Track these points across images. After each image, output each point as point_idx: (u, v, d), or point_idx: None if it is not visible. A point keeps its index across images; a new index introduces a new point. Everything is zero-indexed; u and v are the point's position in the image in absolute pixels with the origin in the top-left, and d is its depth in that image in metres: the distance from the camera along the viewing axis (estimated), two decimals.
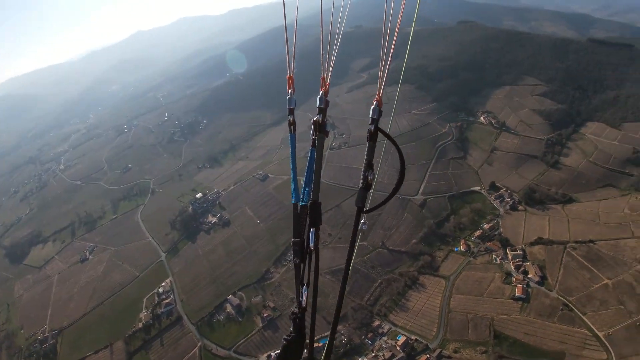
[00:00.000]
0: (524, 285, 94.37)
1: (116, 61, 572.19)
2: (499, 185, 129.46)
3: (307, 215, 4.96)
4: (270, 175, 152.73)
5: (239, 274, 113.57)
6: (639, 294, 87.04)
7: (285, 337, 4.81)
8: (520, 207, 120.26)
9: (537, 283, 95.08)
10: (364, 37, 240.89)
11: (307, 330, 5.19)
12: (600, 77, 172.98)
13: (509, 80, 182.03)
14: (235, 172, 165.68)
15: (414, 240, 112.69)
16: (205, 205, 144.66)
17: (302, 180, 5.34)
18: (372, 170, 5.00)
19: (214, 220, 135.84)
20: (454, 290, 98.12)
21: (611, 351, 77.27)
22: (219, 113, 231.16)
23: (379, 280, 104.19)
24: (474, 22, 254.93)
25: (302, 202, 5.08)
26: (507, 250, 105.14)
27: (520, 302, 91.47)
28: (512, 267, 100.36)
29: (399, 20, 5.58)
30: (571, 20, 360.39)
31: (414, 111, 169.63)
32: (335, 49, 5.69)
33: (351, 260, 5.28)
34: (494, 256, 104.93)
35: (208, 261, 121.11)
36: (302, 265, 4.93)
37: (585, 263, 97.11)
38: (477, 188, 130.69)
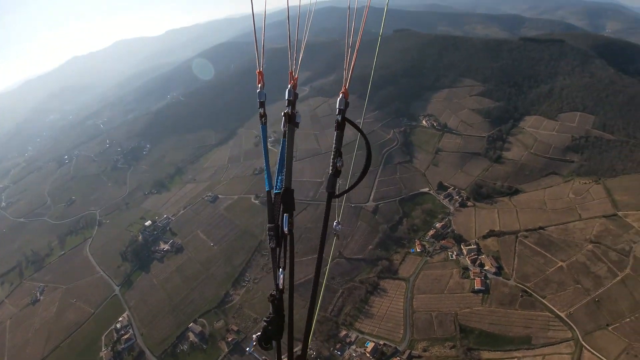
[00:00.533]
0: (482, 278, 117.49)
1: (53, 89, 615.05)
2: (446, 184, 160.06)
3: (281, 201, 6.57)
4: (220, 196, 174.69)
5: (198, 300, 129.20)
6: (593, 272, 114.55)
7: (265, 318, 6.43)
8: (469, 203, 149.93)
9: (495, 274, 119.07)
10: (305, 50, 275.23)
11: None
12: (534, 72, 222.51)
13: (447, 83, 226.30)
14: (183, 196, 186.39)
15: (370, 247, 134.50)
16: (155, 232, 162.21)
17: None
18: (341, 158, 6.66)
19: (166, 247, 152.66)
20: (415, 291, 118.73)
21: (575, 328, 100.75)
22: (162, 136, 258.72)
23: (341, 290, 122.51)
24: (410, 29, 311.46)
25: (275, 189, 6.71)
26: (462, 246, 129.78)
27: (481, 294, 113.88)
28: (468, 261, 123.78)
29: (364, 17, 7.82)
30: (503, 22, 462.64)
31: (358, 120, 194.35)
32: (302, 46, 7.61)
33: (323, 248, 6.87)
34: (449, 253, 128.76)
35: (165, 290, 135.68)
36: (277, 249, 6.50)
37: (538, 249, 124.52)
38: (426, 189, 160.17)
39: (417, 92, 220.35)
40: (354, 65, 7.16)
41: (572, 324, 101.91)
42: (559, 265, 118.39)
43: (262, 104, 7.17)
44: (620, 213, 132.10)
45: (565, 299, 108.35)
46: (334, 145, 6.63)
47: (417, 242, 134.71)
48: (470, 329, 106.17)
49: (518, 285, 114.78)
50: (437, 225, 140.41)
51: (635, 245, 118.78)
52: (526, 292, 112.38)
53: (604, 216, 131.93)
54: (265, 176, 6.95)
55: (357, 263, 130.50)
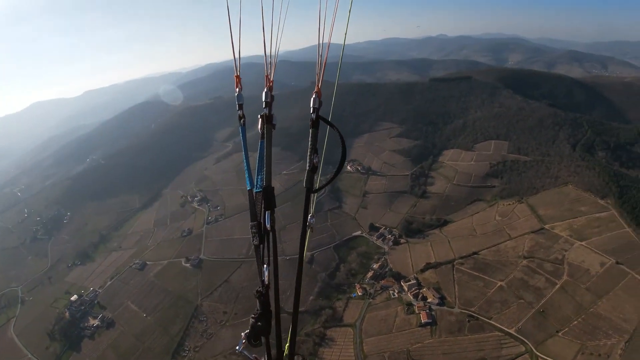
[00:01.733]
0: (427, 310, 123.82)
1: None
2: (377, 225, 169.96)
3: (262, 199, 7.18)
4: (148, 262, 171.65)
5: None
6: (532, 285, 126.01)
7: (252, 315, 7.00)
8: (402, 241, 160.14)
9: (439, 304, 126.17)
10: (225, 107, 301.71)
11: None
12: (447, 109, 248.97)
13: (367, 128, 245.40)
14: (109, 266, 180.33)
15: (311, 297, 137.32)
16: (83, 307, 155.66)
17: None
18: (317, 154, 7.35)
19: (96, 322, 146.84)
20: (363, 335, 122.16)
21: (527, 342, 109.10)
22: (83, 202, 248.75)
23: None
24: (327, 80, 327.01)
25: (256, 188, 7.28)
26: (402, 283, 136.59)
27: (429, 327, 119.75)
28: (410, 297, 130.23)
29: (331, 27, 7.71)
30: (412, 66, 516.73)
31: (284, 172, 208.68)
32: (276, 50, 7.78)
33: (304, 243, 7.70)
34: (391, 292, 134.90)
35: None
36: (261, 246, 7.08)
37: (476, 273, 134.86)
38: (359, 232, 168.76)
39: (339, 138, 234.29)
40: (325, 63, 7.73)
41: (523, 338, 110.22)
42: (499, 285, 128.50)
43: (240, 106, 7.94)
44: (547, 226, 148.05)
45: (511, 316, 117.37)
46: (309, 142, 7.27)
47: (357, 285, 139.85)
48: None
49: (463, 311, 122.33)
50: (374, 266, 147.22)
51: (567, 253, 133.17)
52: (472, 316, 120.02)
53: (532, 232, 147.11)
54: (246, 175, 7.48)
55: (301, 316, 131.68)
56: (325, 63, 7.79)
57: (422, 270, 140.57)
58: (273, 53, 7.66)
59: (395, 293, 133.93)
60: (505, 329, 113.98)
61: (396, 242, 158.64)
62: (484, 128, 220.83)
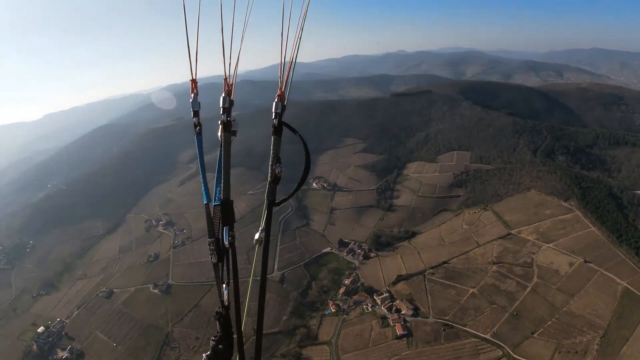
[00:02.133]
0: (402, 322, 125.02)
1: None
2: (346, 240, 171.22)
3: (220, 213, 6.69)
4: (115, 290, 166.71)
5: None
6: (504, 289, 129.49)
7: (212, 337, 6.64)
8: (372, 255, 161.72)
9: (413, 316, 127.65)
10: (188, 129, 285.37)
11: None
12: (409, 123, 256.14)
13: (331, 145, 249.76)
14: (76, 295, 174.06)
15: (284, 317, 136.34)
16: (50, 339, 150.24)
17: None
18: (280, 164, 6.93)
19: (65, 355, 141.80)
20: (340, 352, 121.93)
21: (503, 345, 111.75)
22: (45, 230, 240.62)
23: None
24: (289, 99, 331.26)
25: (214, 201, 6.74)
26: (375, 297, 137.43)
27: (405, 339, 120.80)
28: (384, 310, 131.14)
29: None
30: (373, 82, 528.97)
31: (250, 192, 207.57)
32: (239, 49, 7.28)
33: (267, 259, 7.14)
34: (364, 306, 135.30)
35: None
36: (219, 264, 6.67)
37: (447, 282, 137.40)
38: (328, 249, 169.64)
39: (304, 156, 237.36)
40: (291, 63, 7.17)
41: (499, 342, 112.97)
42: (471, 292, 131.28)
43: (196, 113, 7.35)
44: (513, 231, 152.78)
45: (485, 321, 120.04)
46: (271, 151, 6.93)
47: (330, 302, 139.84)
48: None
49: (438, 320, 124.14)
50: (346, 282, 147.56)
51: (536, 256, 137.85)
52: (447, 325, 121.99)
53: (499, 238, 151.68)
54: (203, 189, 6.99)
55: (275, 337, 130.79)
56: (291, 64, 7.19)
57: (394, 283, 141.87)
58: (234, 54, 7.26)
59: (368, 307, 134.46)
60: (481, 335, 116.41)
61: (366, 257, 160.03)
62: (446, 139, 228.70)
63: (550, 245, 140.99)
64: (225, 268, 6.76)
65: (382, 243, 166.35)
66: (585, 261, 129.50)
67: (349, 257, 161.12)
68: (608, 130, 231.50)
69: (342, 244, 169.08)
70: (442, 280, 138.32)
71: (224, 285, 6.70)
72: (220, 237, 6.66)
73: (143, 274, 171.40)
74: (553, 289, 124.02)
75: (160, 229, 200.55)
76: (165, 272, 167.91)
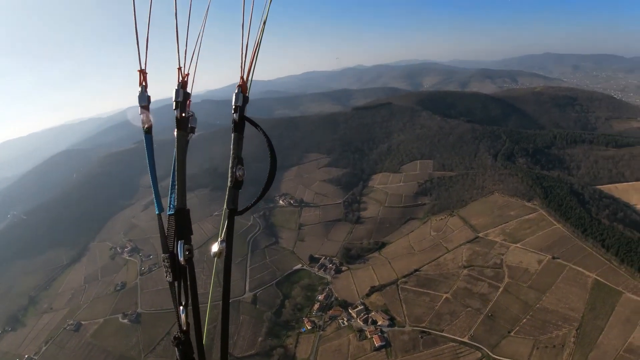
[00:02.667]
0: (379, 333, 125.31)
1: None
2: (317, 256, 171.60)
3: (174, 225, 5.95)
4: (83, 322, 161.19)
5: None
6: (476, 292, 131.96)
7: None
8: (344, 268, 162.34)
9: (389, 326, 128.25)
10: None
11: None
12: (371, 136, 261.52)
13: (295, 161, 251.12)
14: (43, 329, 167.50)
15: (260, 339, 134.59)
16: None
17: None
18: (241, 166, 6.13)
19: None
20: None
21: (481, 347, 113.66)
22: (7, 262, 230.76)
23: None
24: (250, 117, 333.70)
25: (168, 211, 6.01)
26: (350, 310, 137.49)
27: (384, 349, 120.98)
28: (360, 323, 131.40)
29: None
30: (333, 97, 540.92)
31: (216, 213, 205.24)
32: (199, 39, 6.56)
33: (229, 273, 6.03)
34: (340, 321, 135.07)
35: None
36: (176, 283, 5.93)
37: (421, 289, 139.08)
38: (299, 266, 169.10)
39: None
40: (255, 49, 6.22)
41: (477, 344, 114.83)
42: (445, 297, 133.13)
43: (144, 109, 6.49)
44: (481, 234, 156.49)
45: (461, 325, 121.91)
46: (232, 151, 6.19)
47: (306, 319, 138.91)
48: None
49: (415, 328, 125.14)
50: (319, 297, 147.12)
51: (505, 257, 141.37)
52: (424, 332, 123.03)
53: (468, 242, 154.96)
54: (154, 197, 6.37)
55: (251, 359, 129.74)
56: (256, 46, 6.23)
57: (368, 295, 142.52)
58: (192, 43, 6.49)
59: (344, 321, 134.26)
60: (459, 339, 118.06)
61: (338, 271, 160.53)
62: (409, 150, 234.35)
63: (518, 245, 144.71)
64: (183, 287, 6.02)
65: (352, 256, 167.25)
66: (554, 257, 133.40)
67: (321, 273, 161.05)
68: (565, 131, 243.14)
69: (313, 259, 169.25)
70: (415, 288, 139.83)
71: (181, 308, 5.95)
72: (175, 252, 5.95)
73: (111, 304, 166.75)
74: (525, 287, 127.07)
75: (125, 256, 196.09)
76: (134, 300, 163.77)
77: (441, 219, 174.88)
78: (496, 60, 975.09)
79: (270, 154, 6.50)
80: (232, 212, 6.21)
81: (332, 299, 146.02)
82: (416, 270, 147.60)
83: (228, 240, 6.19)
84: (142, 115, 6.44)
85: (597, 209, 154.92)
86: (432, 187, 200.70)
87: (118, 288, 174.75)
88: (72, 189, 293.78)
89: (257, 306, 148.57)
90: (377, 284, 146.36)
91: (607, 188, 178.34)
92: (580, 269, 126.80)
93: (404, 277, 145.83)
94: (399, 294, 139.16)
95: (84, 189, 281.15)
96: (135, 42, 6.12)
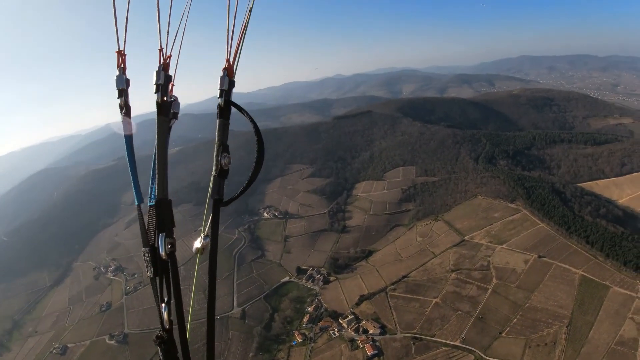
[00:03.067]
0: (371, 342, 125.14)
1: None
2: (304, 267, 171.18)
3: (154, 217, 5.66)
4: (69, 345, 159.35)
5: None
6: (465, 295, 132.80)
7: None
8: (332, 278, 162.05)
9: (381, 334, 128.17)
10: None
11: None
12: (353, 144, 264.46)
13: (278, 172, 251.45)
14: (28, 354, 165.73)
15: (251, 354, 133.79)
16: None
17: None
18: (227, 153, 5.87)
19: None
20: None
21: (474, 349, 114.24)
22: None
23: None
24: (232, 130, 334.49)
25: (149, 201, 5.69)
26: (340, 320, 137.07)
27: (376, 358, 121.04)
28: (351, 332, 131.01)
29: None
30: (314, 107, 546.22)
31: (199, 228, 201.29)
32: (183, 21, 6.20)
33: (215, 266, 5.86)
34: (331, 332, 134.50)
35: None
36: (157, 278, 5.59)
37: (410, 296, 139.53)
38: (287, 278, 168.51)
39: (252, 187, 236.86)
40: (243, 28, 5.93)
41: (469, 347, 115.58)
42: (434, 302, 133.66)
43: (122, 92, 6.16)
44: (466, 237, 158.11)
45: (453, 329, 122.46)
46: (217, 138, 5.93)
47: (296, 332, 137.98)
48: None
49: (406, 335, 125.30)
50: (309, 309, 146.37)
51: (491, 258, 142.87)
52: (416, 338, 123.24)
53: (454, 245, 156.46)
54: (133, 187, 6.04)
55: None
56: (244, 26, 5.93)
57: (358, 304, 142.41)
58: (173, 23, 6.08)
59: (335, 332, 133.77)
60: (451, 343, 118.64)
61: (326, 281, 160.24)
62: (391, 157, 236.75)
63: (504, 246, 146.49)
64: (165, 283, 5.71)
65: (340, 266, 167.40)
66: (540, 256, 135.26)
67: (309, 284, 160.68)
68: (543, 131, 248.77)
69: (301, 271, 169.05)
70: (404, 295, 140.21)
71: (163, 305, 5.65)
72: (156, 245, 5.62)
73: (97, 325, 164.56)
74: (513, 287, 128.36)
75: (109, 275, 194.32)
76: (120, 321, 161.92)
77: (426, 224, 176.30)
78: (473, 65, 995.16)
79: (257, 140, 6.23)
80: (217, 203, 6.04)
81: (322, 310, 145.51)
82: (404, 277, 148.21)
83: (213, 234, 6.02)
84: (119, 100, 6.15)
85: (579, 206, 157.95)
86: (415, 193, 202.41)
87: (103, 309, 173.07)
88: (53, 209, 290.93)
89: (246, 321, 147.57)
90: (366, 292, 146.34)
91: (588, 185, 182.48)
92: (566, 266, 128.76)
93: (393, 284, 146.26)
94: (388, 302, 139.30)
95: (64, 208, 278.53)
96: (114, 21, 5.83)
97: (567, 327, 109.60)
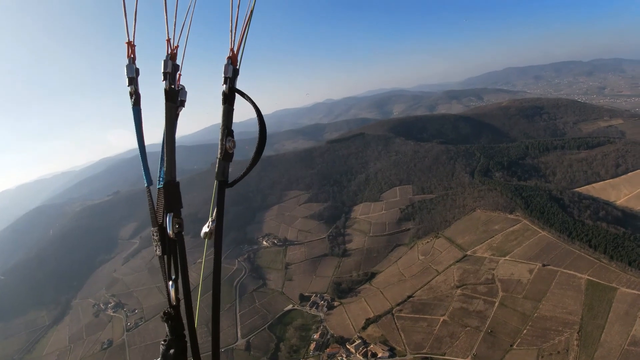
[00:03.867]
0: None
1: None
2: (307, 294, 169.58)
3: (163, 198, 5.97)
4: None
5: None
6: (472, 310, 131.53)
7: (162, 342, 5.86)
8: (336, 303, 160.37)
9: (390, 357, 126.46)
10: (126, 202, 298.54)
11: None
12: (348, 167, 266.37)
13: (275, 200, 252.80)
14: None
15: None
16: None
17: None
18: (231, 137, 6.08)
19: None
20: None
21: None
22: None
23: None
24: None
25: (158, 184, 6.03)
26: (347, 346, 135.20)
27: None
28: (360, 357, 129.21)
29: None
30: (306, 133, 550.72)
31: (199, 260, 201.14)
32: (190, 13, 6.51)
33: (220, 247, 6.09)
34: (339, 358, 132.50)
35: None
36: (165, 257, 5.96)
37: (417, 316, 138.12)
38: (290, 306, 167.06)
39: (249, 215, 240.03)
40: (248, 19, 6.22)
41: None
42: (442, 320, 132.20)
43: (132, 80, 6.42)
44: (468, 252, 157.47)
45: (463, 346, 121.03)
46: (221, 123, 6.14)
47: None
48: None
49: (416, 356, 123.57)
50: (314, 336, 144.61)
51: (496, 271, 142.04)
52: (426, 358, 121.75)
53: (457, 261, 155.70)
54: (143, 170, 6.27)
55: None
56: (248, 16, 6.22)
57: (364, 328, 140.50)
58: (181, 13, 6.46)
59: (343, 358, 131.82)
60: (462, 359, 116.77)
61: (330, 307, 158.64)
62: (386, 177, 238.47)
63: (507, 257, 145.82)
64: (172, 262, 6.05)
65: (343, 290, 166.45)
66: (544, 265, 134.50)
67: (313, 311, 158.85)
68: (536, 140, 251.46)
69: (304, 298, 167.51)
70: (411, 315, 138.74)
71: (170, 282, 6.00)
72: (165, 225, 5.96)
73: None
74: (520, 298, 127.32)
75: (109, 312, 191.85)
76: (123, 358, 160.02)
77: (427, 242, 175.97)
78: (460, 81, 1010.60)
79: (260, 123, 6.34)
80: (223, 184, 6.23)
81: (328, 336, 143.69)
82: (409, 297, 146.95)
83: (219, 214, 6.22)
84: (129, 87, 6.39)
85: (578, 211, 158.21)
86: (414, 211, 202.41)
87: (105, 346, 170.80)
88: (49, 246, 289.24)
89: (252, 352, 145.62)
90: (372, 315, 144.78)
91: (585, 189, 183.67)
92: (571, 272, 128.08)
93: (398, 305, 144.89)
94: (395, 323, 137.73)
95: (61, 245, 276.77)
96: (123, 13, 6.12)
97: (578, 333, 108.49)
